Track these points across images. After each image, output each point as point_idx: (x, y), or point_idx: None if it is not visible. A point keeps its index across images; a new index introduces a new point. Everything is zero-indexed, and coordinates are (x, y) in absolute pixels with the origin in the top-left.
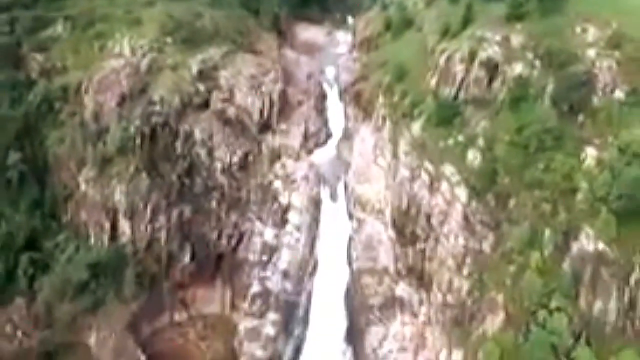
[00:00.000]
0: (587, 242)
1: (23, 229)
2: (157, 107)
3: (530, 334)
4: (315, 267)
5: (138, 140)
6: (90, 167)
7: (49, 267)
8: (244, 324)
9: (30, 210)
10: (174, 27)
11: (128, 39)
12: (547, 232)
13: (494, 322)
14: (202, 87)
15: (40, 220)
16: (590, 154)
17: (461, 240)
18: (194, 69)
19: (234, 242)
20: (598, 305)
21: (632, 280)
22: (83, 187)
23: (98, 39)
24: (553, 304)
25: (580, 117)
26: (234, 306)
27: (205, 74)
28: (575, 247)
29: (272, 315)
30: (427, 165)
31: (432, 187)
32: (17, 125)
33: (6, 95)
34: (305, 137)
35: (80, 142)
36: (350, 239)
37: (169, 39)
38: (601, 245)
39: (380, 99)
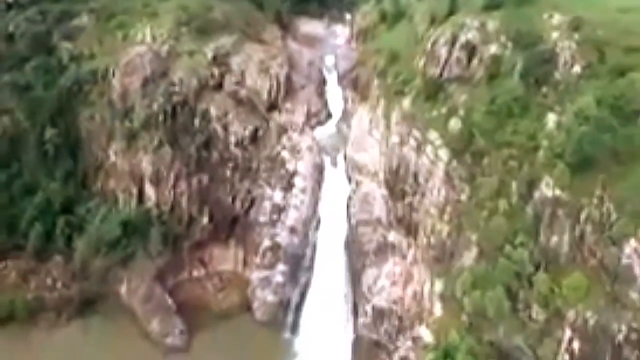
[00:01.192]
0: (547, 189)
1: (59, 196)
2: (177, 88)
3: (498, 265)
4: (318, 223)
5: (161, 117)
6: (118, 140)
7: (83, 228)
8: (257, 275)
9: (64, 180)
10: (188, 19)
11: (149, 29)
12: (514, 183)
13: (468, 257)
14: (216, 71)
15: (74, 188)
16: (551, 118)
17: (443, 193)
18: (209, 55)
19: (246, 205)
20: (554, 239)
21: (581, 218)
22: (112, 158)
23: (120, 29)
24: (517, 240)
25: (544, 89)
26: (246, 263)
27: (219, 60)
28: (536, 194)
29: (281, 266)
30: (415, 132)
31: (419, 151)
32: (52, 105)
33: (41, 79)
34: (308, 115)
35: (109, 119)
36: (349, 198)
37: (184, 29)
38: (557, 192)
39: (376, 82)
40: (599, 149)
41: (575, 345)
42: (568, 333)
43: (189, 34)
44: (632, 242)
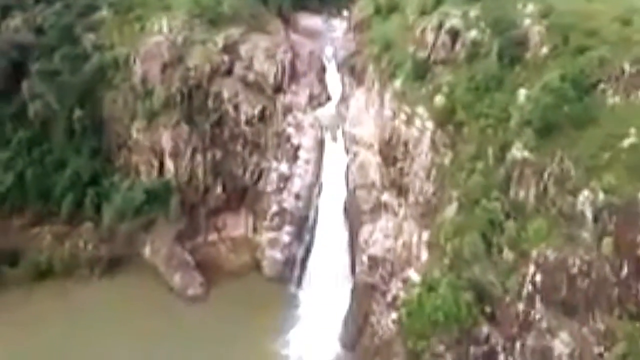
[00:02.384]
0: (517, 152)
1: (87, 170)
2: (192, 73)
3: (475, 215)
4: (320, 189)
5: (178, 98)
6: (140, 119)
7: (110, 198)
8: (265, 236)
9: (91, 156)
10: (200, 12)
11: (165, 21)
12: (489, 148)
13: (450, 210)
14: (226, 58)
15: (100, 163)
16: (521, 92)
17: (429, 158)
18: (220, 44)
19: (255, 177)
20: (522, 193)
21: (545, 175)
22: (135, 135)
23: (138, 21)
24: (491, 195)
25: (517, 68)
26: (255, 229)
27: (229, 48)
28: (508, 156)
29: (287, 228)
30: (405, 107)
31: (409, 123)
32: (78, 89)
33: (68, 66)
34: (310, 98)
35: (131, 100)
36: (347, 166)
37: (196, 21)
38: (525, 154)
39: (371, 67)
40: (560, 117)
41: (538, 278)
42: (532, 268)
43: (201, 25)
44: (585, 192)
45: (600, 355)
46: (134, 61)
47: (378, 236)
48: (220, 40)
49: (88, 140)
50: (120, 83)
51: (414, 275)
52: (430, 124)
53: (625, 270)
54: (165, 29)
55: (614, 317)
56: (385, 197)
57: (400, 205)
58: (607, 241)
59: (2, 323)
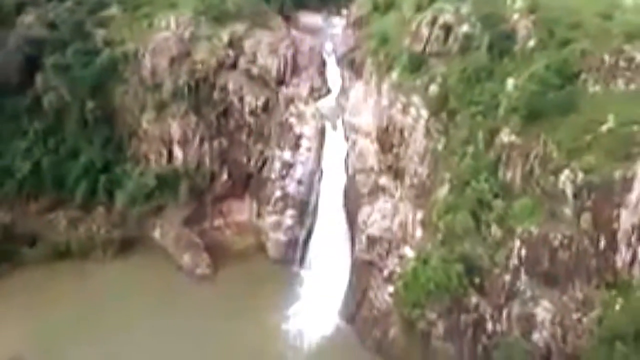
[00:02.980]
0: (505, 137)
1: (99, 159)
2: (199, 67)
3: (465, 195)
4: (321, 175)
5: (186, 90)
6: (150, 110)
7: (121, 184)
8: (269, 220)
9: (103, 146)
10: (205, 9)
11: (173, 17)
12: (479, 133)
13: (442, 191)
14: (231, 53)
15: (111, 152)
16: (510, 82)
17: (423, 144)
18: (225, 39)
19: (259, 165)
20: (509, 174)
21: (530, 158)
22: (145, 125)
23: (146, 18)
24: (481, 177)
25: (505, 59)
26: (259, 214)
27: (233, 43)
28: (497, 140)
29: (290, 211)
30: (401, 97)
31: (404, 112)
32: (90, 82)
33: (80, 60)
34: (311, 90)
35: (141, 92)
36: (347, 153)
37: (202, 18)
38: (513, 138)
39: (369, 60)
40: (545, 104)
41: (523, 251)
42: (517, 243)
43: (207, 21)
44: (566, 172)
45: (579, 320)
46: (143, 56)
47: (376, 217)
48: (225, 35)
49: (100, 131)
50: (130, 76)
51: (409, 252)
52: (424, 112)
53: (602, 243)
54: (172, 25)
55: (592, 286)
56: (383, 180)
57: (396, 188)
58: (586, 217)
59: (23, 300)
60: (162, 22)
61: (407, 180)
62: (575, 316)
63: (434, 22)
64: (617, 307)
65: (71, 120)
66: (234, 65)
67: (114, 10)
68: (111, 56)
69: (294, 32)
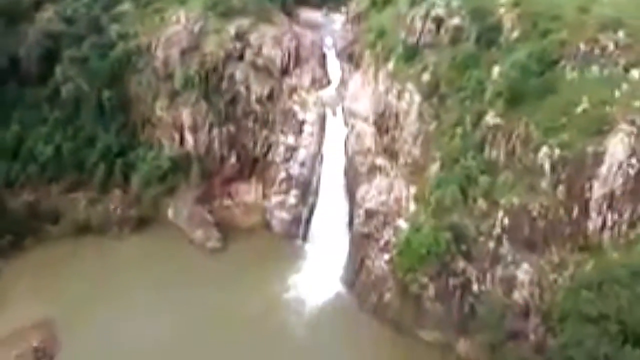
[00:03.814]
0: (490, 119)
1: (115, 144)
2: (208, 58)
3: (454, 171)
4: (322, 158)
5: (196, 80)
6: (162, 99)
7: (136, 168)
8: (274, 199)
9: (118, 132)
10: (213, 4)
11: (183, 12)
12: (467, 116)
13: (434, 169)
14: (238, 45)
15: (127, 138)
16: (495, 69)
17: (416, 126)
18: (232, 33)
19: (265, 149)
20: (494, 153)
21: (513, 137)
22: (158, 113)
23: (157, 13)
24: (469, 155)
25: (492, 49)
26: (264, 195)
27: (240, 36)
28: (483, 122)
29: (293, 191)
30: (397, 84)
31: (399, 97)
32: (106, 73)
33: (96, 53)
34: (313, 80)
35: (154, 82)
36: (346, 137)
37: (210, 13)
38: (497, 120)
39: (367, 52)
40: (527, 88)
41: (505, 221)
42: (500, 214)
43: (215, 16)
44: (544, 149)
45: (555, 280)
46: (156, 48)
47: (373, 193)
48: (232, 29)
49: (115, 118)
50: (144, 67)
51: (403, 224)
52: (417, 98)
53: (576, 212)
54: (182, 20)
55: (566, 250)
56: (379, 160)
57: (391, 167)
58: (561, 188)
59: (48, 270)
60: (172, 17)
61: (402, 160)
62: (551, 277)
63: (426, 15)
64: (588, 266)
65: (88, 108)
66: (240, 57)
67: (126, 6)
68: (125, 49)
69: (295, 27)
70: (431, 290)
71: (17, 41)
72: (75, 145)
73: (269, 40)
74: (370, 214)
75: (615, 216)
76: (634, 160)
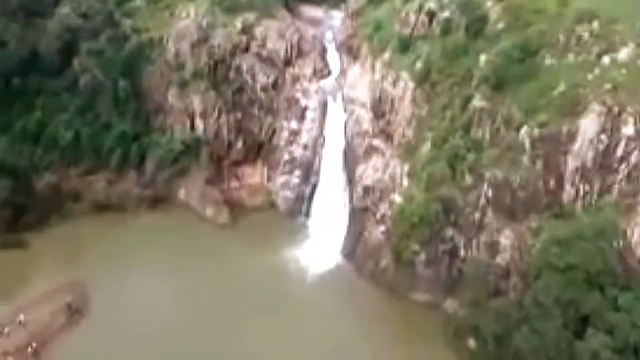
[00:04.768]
0: (476, 102)
1: (130, 130)
2: (216, 50)
3: (444, 149)
4: (324, 141)
5: (205, 70)
6: (174, 87)
7: (151, 151)
8: (279, 180)
9: (133, 119)
10: (219, 1)
11: (192, 8)
12: (456, 100)
13: (425, 148)
14: (244, 38)
15: (141, 125)
16: (482, 58)
17: (410, 110)
18: (238, 26)
19: (269, 134)
20: (480, 133)
21: (497, 119)
22: (170, 100)
23: (167, 9)
24: (457, 135)
25: (479, 39)
26: (269, 178)
27: (246, 30)
28: (470, 105)
29: (297, 172)
30: (392, 73)
31: (394, 84)
32: (121, 64)
33: (111, 45)
34: (314, 71)
35: (166, 72)
36: (345, 121)
37: (217, 8)
38: (483, 103)
39: (365, 45)
40: (510, 74)
41: (489, 193)
42: (485, 186)
43: (222, 11)
44: (525, 128)
45: (533, 245)
46: (167, 41)
47: (370, 172)
48: (238, 23)
49: (130, 106)
50: (157, 58)
51: (397, 198)
52: (411, 84)
53: (552, 184)
54: (192, 15)
55: (543, 218)
56: (376, 142)
57: (387, 147)
58: (539, 163)
59: (73, 243)
60: (182, 12)
61: (396, 140)
62: (529, 241)
63: (420, 9)
64: (562, 230)
65: (105, 97)
66: (246, 49)
67: (138, 2)
68: (138, 42)
69: (297, 22)
70: (422, 256)
71: (37, 35)
72: (93, 131)
73: (273, 33)
74: (367, 190)
75: (587, 187)
76: (603, 137)
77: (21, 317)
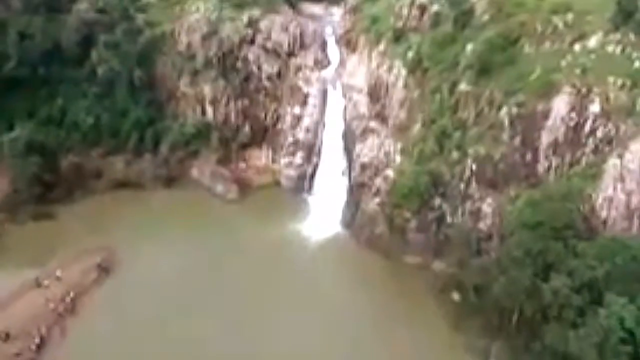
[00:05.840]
0: (463, 86)
1: (145, 116)
2: (225, 42)
3: (432, 129)
4: (324, 124)
5: (215, 60)
6: (186, 76)
7: (164, 135)
8: (284, 160)
9: (147, 105)
10: None
11: (202, 4)
12: (444, 85)
13: (416, 128)
14: (250, 31)
15: (155, 111)
16: (469, 47)
17: (402, 94)
18: (244, 21)
19: (274, 119)
20: (465, 113)
21: (481, 101)
22: (182, 88)
23: (177, 5)
24: (444, 116)
25: (466, 30)
26: (274, 160)
27: (252, 23)
28: (457, 90)
29: (299, 153)
30: (386, 61)
31: (389, 72)
32: (136, 55)
33: (127, 38)
34: (316, 61)
35: (179, 63)
36: (344, 107)
37: (225, 4)
38: (469, 87)
39: (362, 37)
40: (493, 61)
41: (473, 166)
42: (469, 160)
43: (229, 7)
44: (505, 108)
45: (511, 211)
46: (179, 34)
47: (366, 150)
48: (245, 18)
49: (145, 94)
50: (169, 50)
51: (391, 173)
52: (404, 71)
53: (528, 157)
54: (202, 10)
55: (521, 187)
56: (372, 124)
57: (382, 128)
58: (517, 139)
59: (97, 216)
60: (192, 8)
61: (390, 122)
62: (508, 208)
63: (412, 4)
64: (535, 195)
65: (121, 85)
66: (252, 41)
67: None
68: (152, 35)
69: (299, 18)
70: (413, 223)
71: (58, 29)
72: (111, 116)
73: (277, 27)
74: (364, 167)
75: (559, 159)
76: (573, 115)
77: (58, 272)
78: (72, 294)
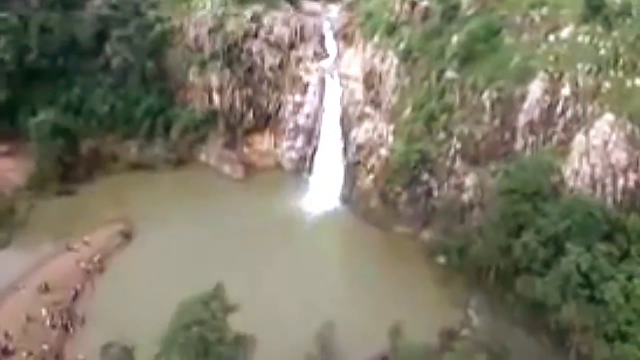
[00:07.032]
0: (449, 74)
1: (156, 104)
2: (230, 35)
3: (421, 112)
4: (323, 110)
5: (221, 52)
6: (194, 67)
7: (175, 121)
8: (285, 144)
9: (158, 94)
10: None
11: (208, 0)
12: (433, 72)
13: (407, 112)
14: (253, 26)
15: (165, 100)
16: (454, 38)
17: (395, 82)
18: (248, 16)
19: (276, 107)
20: (451, 98)
21: (466, 87)
22: (190, 78)
23: (185, 1)
24: (432, 100)
25: (453, 24)
26: (276, 144)
27: (255, 18)
28: (443, 77)
29: (300, 137)
30: (380, 52)
31: (382, 61)
32: (147, 48)
33: (138, 32)
34: (315, 53)
35: (187, 55)
36: (342, 94)
37: (230, 1)
38: (454, 74)
39: (358, 31)
40: (476, 51)
41: (458, 145)
42: (454, 140)
43: (233, 4)
44: (486, 92)
45: (491, 184)
46: (187, 28)
47: (362, 133)
48: (248, 13)
49: (156, 84)
50: (178, 43)
51: (384, 152)
52: (396, 61)
53: (507, 136)
54: (208, 6)
55: (500, 163)
56: (367, 109)
57: (376, 113)
58: (497, 120)
59: (115, 193)
60: (199, 4)
61: (384, 107)
62: (489, 182)
63: (404, 0)
64: (511, 168)
65: (134, 76)
66: (255, 35)
67: None
68: (162, 29)
69: (299, 14)
70: (404, 197)
71: (74, 24)
72: (125, 105)
73: (279, 22)
74: (359, 148)
75: (534, 138)
76: (547, 97)
77: (86, 238)
78: (99, 256)
